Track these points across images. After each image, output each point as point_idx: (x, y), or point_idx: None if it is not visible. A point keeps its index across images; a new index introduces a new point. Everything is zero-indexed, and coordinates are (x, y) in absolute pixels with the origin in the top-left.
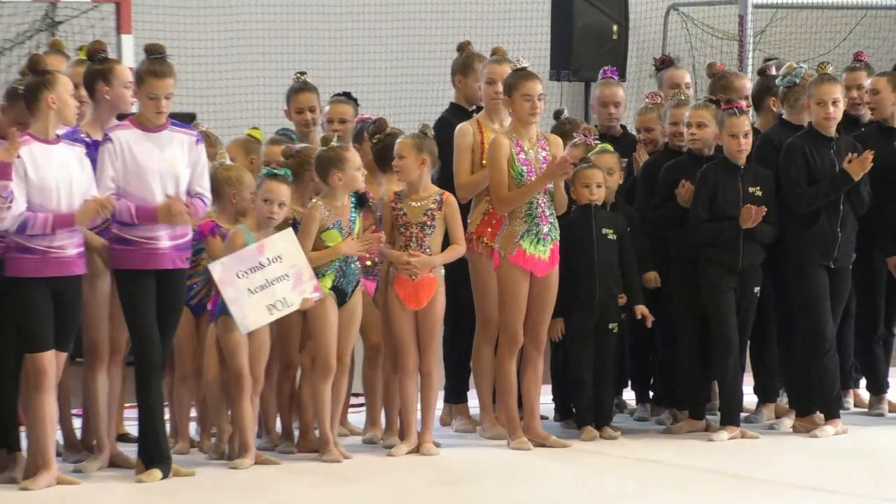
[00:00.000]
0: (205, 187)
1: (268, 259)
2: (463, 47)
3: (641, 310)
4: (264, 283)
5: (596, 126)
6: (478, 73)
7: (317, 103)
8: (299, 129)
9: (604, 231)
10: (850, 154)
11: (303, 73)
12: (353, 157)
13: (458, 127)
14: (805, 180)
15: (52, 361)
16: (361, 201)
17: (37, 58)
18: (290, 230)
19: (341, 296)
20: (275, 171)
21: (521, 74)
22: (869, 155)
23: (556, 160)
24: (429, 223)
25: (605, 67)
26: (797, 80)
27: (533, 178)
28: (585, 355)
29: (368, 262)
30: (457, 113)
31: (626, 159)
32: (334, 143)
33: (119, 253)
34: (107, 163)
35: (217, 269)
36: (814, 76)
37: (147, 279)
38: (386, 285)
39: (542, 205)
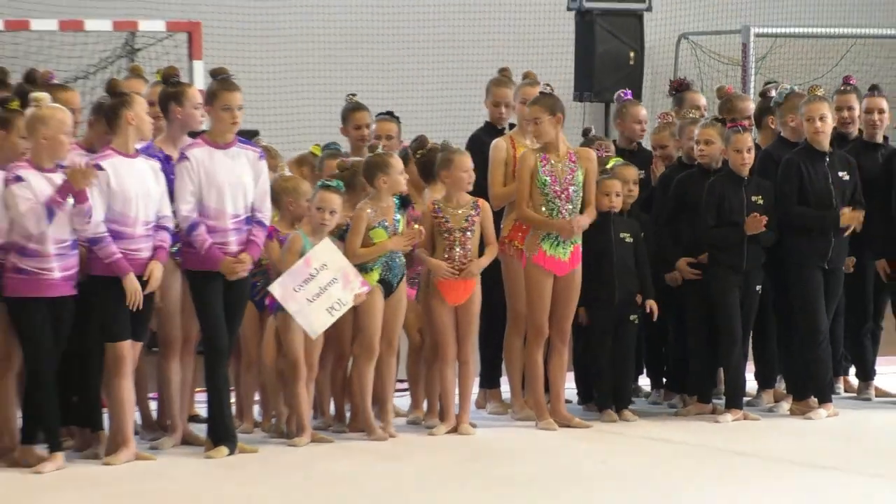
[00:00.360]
0: (263, 209)
1: (315, 269)
2: (499, 71)
3: (650, 304)
4: (319, 290)
5: (614, 141)
6: (492, 95)
7: (370, 121)
8: (354, 144)
9: (621, 235)
10: (846, 209)
11: (353, 95)
12: (397, 162)
13: (494, 142)
14: (797, 195)
15: (129, 350)
16: (405, 202)
17: (114, 82)
18: (327, 238)
19: (388, 287)
20: (328, 182)
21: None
22: (860, 214)
23: (569, 225)
24: (469, 227)
25: (623, 90)
26: (780, 100)
27: (556, 188)
28: (605, 349)
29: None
30: (489, 130)
31: (643, 171)
32: (380, 150)
33: (191, 255)
34: (186, 179)
35: (277, 290)
36: (806, 97)
37: (216, 279)
38: (427, 284)
39: (563, 212)
